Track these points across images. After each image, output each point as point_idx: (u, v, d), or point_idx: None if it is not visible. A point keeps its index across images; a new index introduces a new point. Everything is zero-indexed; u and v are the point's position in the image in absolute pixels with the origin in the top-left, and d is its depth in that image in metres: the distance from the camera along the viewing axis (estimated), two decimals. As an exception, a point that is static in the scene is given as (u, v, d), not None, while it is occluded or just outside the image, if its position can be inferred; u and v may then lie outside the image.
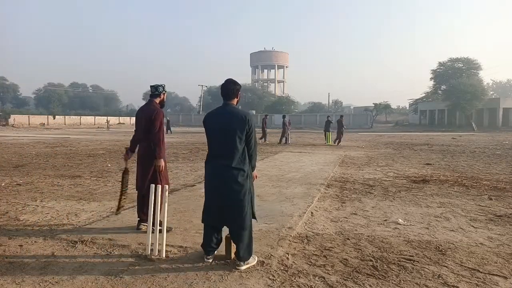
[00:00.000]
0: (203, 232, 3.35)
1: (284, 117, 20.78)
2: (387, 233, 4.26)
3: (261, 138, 20.57)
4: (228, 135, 3.15)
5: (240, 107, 4.26)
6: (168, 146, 17.17)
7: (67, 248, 3.62)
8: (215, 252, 3.38)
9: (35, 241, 3.82)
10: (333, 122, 20.73)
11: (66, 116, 58.07)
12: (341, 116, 21.47)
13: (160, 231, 3.48)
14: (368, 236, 4.13)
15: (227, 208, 3.17)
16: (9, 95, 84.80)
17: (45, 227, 4.31)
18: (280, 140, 20.42)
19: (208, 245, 3.30)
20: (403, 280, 2.96)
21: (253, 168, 3.31)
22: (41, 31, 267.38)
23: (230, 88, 3.25)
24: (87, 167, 9.96)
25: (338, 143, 19.32)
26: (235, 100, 3.29)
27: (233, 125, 3.14)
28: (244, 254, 3.16)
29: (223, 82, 3.34)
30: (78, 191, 6.57)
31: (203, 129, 3.36)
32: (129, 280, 2.93)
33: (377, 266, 3.25)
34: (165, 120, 4.62)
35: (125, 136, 26.96)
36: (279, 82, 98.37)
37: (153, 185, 3.60)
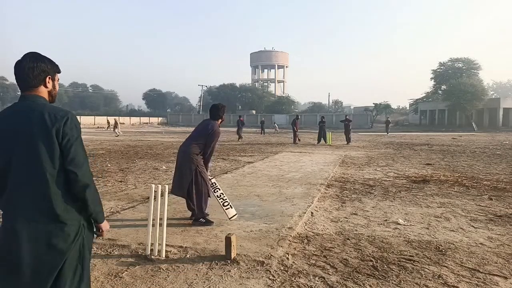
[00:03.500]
0: None
1: (297, 118, 21.53)
2: (387, 233, 4.26)
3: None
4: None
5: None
6: (167, 146, 17.17)
7: (67, 248, 3.61)
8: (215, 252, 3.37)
9: None
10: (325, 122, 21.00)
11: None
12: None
13: (161, 224, 3.50)
14: (368, 236, 4.13)
15: None
16: (9, 95, 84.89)
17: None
18: (296, 140, 20.84)
19: None
20: (403, 280, 2.96)
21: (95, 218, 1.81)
22: (41, 31, 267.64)
23: None
24: (87, 167, 9.94)
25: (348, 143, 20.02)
26: None
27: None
28: None
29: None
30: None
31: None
32: (129, 280, 2.93)
33: (377, 266, 3.25)
34: None
35: (124, 136, 26.97)
36: (279, 82, 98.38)
37: (153, 185, 3.60)
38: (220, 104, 4.88)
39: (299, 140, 20.84)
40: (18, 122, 1.64)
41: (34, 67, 1.70)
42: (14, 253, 1.60)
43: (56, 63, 1.81)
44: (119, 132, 29.94)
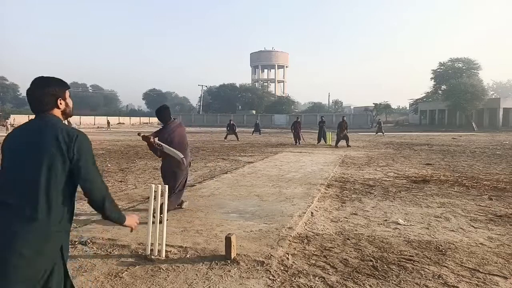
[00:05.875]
0: None
1: (297, 119, 20.74)
2: (387, 233, 4.25)
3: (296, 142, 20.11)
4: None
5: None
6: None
7: (67, 248, 3.62)
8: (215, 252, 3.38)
9: None
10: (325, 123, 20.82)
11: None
12: (343, 118, 21.29)
13: (161, 221, 3.51)
14: (368, 236, 4.13)
15: None
16: (9, 95, 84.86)
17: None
18: (297, 141, 19.94)
19: None
20: (403, 280, 2.96)
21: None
22: (41, 31, 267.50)
23: None
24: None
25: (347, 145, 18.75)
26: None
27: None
28: None
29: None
30: (78, 191, 6.55)
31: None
32: (129, 280, 2.93)
33: (377, 266, 3.25)
34: None
35: (124, 136, 26.97)
36: (279, 82, 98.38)
37: (153, 185, 3.60)
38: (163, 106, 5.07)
39: (299, 142, 19.80)
40: (31, 137, 1.71)
41: (43, 94, 1.76)
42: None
43: (63, 80, 1.84)
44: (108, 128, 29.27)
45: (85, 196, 1.77)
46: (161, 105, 5.01)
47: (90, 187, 1.74)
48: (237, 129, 24.50)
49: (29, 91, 1.78)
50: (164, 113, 4.89)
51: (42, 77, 1.81)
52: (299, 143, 19.80)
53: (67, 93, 1.86)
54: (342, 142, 18.44)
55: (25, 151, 1.69)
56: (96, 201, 1.77)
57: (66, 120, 1.95)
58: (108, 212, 1.80)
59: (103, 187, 1.80)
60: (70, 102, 1.86)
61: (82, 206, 5.46)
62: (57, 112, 1.81)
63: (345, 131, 18.46)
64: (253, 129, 32.64)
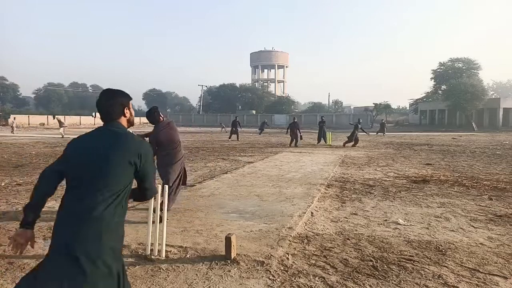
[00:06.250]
0: None
1: (294, 119, 20.09)
2: (387, 233, 4.25)
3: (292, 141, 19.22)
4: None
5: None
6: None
7: (67, 248, 3.61)
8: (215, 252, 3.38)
9: (35, 241, 3.81)
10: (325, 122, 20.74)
11: (66, 116, 58.04)
12: (359, 119, 21.07)
13: (161, 220, 3.54)
14: (368, 236, 4.13)
15: None
16: (9, 95, 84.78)
17: (45, 227, 4.31)
18: (293, 143, 19.04)
19: None
20: (403, 280, 2.96)
21: None
22: (41, 31, 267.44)
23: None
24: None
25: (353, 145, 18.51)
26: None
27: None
28: None
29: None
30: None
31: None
32: (129, 280, 2.92)
33: (377, 266, 3.25)
34: None
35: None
36: (279, 82, 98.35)
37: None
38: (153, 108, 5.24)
39: (295, 144, 18.61)
40: (100, 143, 1.82)
41: (112, 104, 1.94)
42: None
43: (127, 92, 2.05)
44: (63, 133, 24.49)
45: (139, 191, 1.95)
46: (150, 107, 5.22)
47: (148, 188, 1.94)
48: (237, 129, 24.49)
49: (99, 102, 1.94)
50: (153, 114, 5.11)
51: (110, 89, 2.01)
52: (295, 145, 18.51)
53: (131, 103, 2.05)
54: (342, 142, 18.50)
55: (95, 157, 1.77)
56: (149, 197, 2.03)
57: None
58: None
59: (156, 189, 2.08)
60: (133, 112, 2.06)
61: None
62: (123, 121, 1.98)
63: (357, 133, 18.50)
64: (260, 129, 32.49)
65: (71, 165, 1.81)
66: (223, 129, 38.77)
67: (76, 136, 1.94)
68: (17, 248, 1.87)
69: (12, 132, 29.46)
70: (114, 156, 1.77)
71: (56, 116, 31.45)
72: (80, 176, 1.75)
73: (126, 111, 1.99)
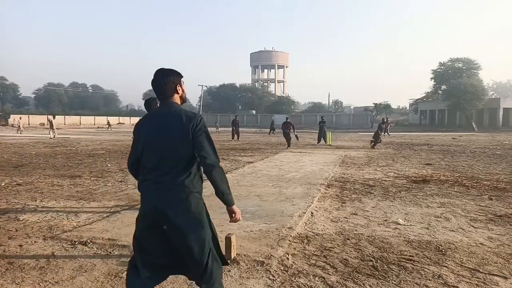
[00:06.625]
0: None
1: (287, 118, 19.72)
2: (387, 233, 4.25)
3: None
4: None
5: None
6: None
7: (67, 248, 3.62)
8: None
9: (35, 241, 3.82)
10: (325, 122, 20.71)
11: (66, 116, 58.12)
12: (383, 119, 20.83)
13: None
14: (368, 236, 4.13)
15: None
16: (9, 95, 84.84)
17: (45, 227, 4.31)
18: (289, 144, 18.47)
19: None
20: (403, 280, 2.96)
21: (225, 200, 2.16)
22: (41, 31, 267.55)
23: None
24: (87, 167, 9.95)
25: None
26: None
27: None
28: None
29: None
30: (78, 191, 6.57)
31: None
32: (129, 280, 2.93)
33: (377, 266, 3.25)
34: None
35: (124, 136, 26.95)
36: (279, 82, 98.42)
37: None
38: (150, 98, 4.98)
39: (288, 145, 17.65)
40: (164, 122, 2.09)
41: (166, 82, 2.13)
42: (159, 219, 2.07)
43: (178, 70, 2.21)
44: (53, 134, 23.42)
45: (200, 165, 2.12)
46: (149, 97, 5.14)
47: (205, 155, 2.06)
48: (238, 128, 24.49)
49: (154, 82, 2.15)
50: (152, 104, 5.05)
51: (163, 68, 2.18)
52: (288, 146, 17.52)
53: (183, 81, 2.23)
54: (342, 142, 18.47)
55: (161, 134, 2.08)
56: (207, 169, 2.08)
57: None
58: (219, 181, 2.09)
59: (216, 159, 2.11)
60: (185, 89, 2.23)
61: (82, 206, 5.46)
62: (176, 98, 2.19)
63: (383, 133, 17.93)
64: (270, 129, 32.00)
65: (143, 147, 2.11)
66: (218, 129, 39.18)
67: (138, 120, 2.25)
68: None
69: (19, 132, 29.10)
70: (177, 132, 2.04)
71: (48, 116, 30.90)
72: (152, 155, 2.08)
73: (179, 88, 2.17)
